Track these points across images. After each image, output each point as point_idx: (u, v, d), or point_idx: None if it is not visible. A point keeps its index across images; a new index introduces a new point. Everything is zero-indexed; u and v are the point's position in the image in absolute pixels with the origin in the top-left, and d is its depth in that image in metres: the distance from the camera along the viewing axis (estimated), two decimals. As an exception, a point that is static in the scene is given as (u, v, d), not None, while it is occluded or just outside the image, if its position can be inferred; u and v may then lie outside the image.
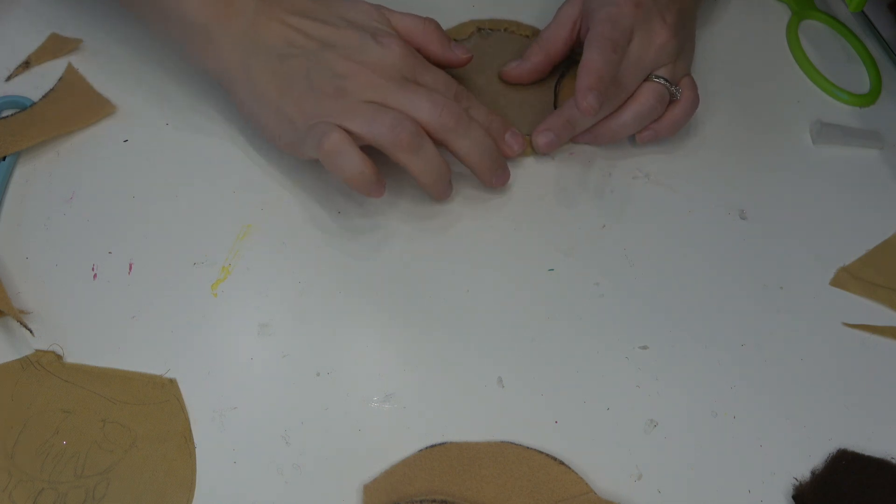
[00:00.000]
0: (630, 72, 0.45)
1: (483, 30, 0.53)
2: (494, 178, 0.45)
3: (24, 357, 0.39)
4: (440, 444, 0.38)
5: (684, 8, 0.48)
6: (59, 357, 0.39)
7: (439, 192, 0.44)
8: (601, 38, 0.44)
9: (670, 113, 0.47)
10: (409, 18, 0.45)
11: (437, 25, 0.46)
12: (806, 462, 0.40)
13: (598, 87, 0.42)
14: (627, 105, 0.46)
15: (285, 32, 0.43)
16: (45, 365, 0.39)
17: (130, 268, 0.42)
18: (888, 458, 0.40)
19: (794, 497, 0.39)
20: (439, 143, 0.43)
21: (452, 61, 0.46)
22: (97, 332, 0.40)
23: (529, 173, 0.47)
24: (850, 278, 0.46)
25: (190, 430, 0.38)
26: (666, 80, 0.46)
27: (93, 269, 0.42)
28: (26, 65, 0.48)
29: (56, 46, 0.49)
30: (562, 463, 0.38)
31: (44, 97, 0.46)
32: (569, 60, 0.51)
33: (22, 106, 0.46)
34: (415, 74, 0.43)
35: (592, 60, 0.43)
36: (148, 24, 0.46)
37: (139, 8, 0.45)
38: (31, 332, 0.39)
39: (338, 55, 0.42)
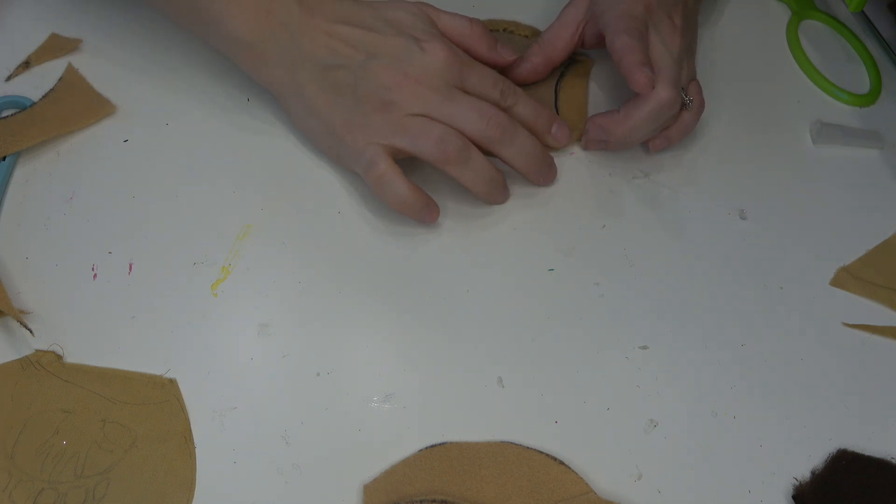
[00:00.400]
0: (675, 91, 0.44)
1: (483, 30, 0.53)
2: (541, 178, 0.45)
3: (24, 357, 0.39)
4: (440, 444, 0.39)
5: (687, 7, 0.48)
6: (59, 357, 0.39)
7: (494, 198, 0.45)
8: (625, 27, 0.44)
9: (681, 119, 0.47)
10: (455, 20, 0.45)
11: (484, 27, 0.46)
12: (806, 462, 0.40)
13: (646, 62, 0.42)
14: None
15: (329, 42, 0.42)
16: (45, 365, 0.39)
17: (130, 268, 0.42)
18: (888, 458, 0.40)
19: (794, 497, 0.39)
20: (486, 152, 0.43)
21: (499, 63, 0.46)
22: (97, 332, 0.40)
23: (529, 173, 0.47)
24: (850, 278, 0.46)
25: (190, 430, 0.38)
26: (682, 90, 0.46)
27: (93, 269, 0.42)
28: (26, 65, 0.48)
29: (56, 46, 0.49)
30: (562, 463, 0.38)
31: (44, 97, 0.46)
32: (569, 60, 0.51)
33: (22, 106, 0.46)
34: (461, 78, 0.42)
35: (627, 43, 0.43)
36: (195, 37, 0.46)
37: (184, 23, 0.45)
38: (31, 332, 0.39)
39: (383, 65, 0.41)
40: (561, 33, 0.48)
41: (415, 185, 0.42)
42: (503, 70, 0.49)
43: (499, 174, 0.44)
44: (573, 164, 0.48)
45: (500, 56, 0.46)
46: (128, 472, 0.37)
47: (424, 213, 0.43)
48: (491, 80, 0.43)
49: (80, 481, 0.36)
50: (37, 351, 0.39)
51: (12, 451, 0.37)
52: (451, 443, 0.39)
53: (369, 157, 0.42)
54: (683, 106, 0.46)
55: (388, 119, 0.41)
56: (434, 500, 0.37)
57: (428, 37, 0.42)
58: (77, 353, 0.39)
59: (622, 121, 0.45)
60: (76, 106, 0.46)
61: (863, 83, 0.55)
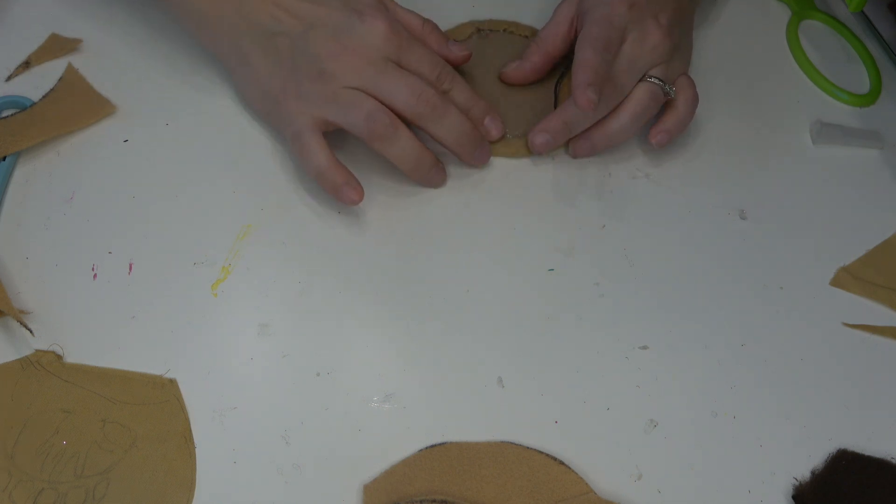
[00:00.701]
0: (624, 71, 0.45)
1: (482, 30, 0.53)
2: (473, 158, 0.46)
3: (24, 357, 0.39)
4: (440, 444, 0.39)
5: (680, 8, 0.48)
6: (59, 357, 0.39)
7: (423, 178, 0.45)
8: (594, 36, 0.44)
9: (674, 112, 0.47)
10: (409, 16, 0.46)
11: (436, 27, 0.47)
12: (806, 462, 0.40)
13: (595, 82, 0.43)
14: (623, 107, 0.46)
15: (273, 11, 0.43)
16: (45, 365, 0.39)
17: (130, 268, 0.42)
18: (888, 458, 0.40)
19: (794, 497, 0.39)
20: (417, 128, 0.43)
21: (449, 58, 0.46)
22: (97, 332, 0.40)
23: (529, 173, 0.47)
24: (850, 278, 0.46)
25: (190, 430, 0.38)
26: (659, 79, 0.46)
27: (93, 269, 0.42)
28: (26, 65, 0.48)
29: (56, 46, 0.49)
30: (562, 463, 0.38)
31: (44, 97, 0.46)
32: (568, 61, 0.51)
33: (22, 106, 0.46)
34: (398, 54, 0.43)
35: (586, 58, 0.44)
36: (154, 6, 0.47)
37: None
38: (31, 332, 0.39)
39: (321, 36, 0.42)
40: (556, 30, 0.49)
41: (337, 160, 0.43)
42: (492, 69, 0.50)
43: (427, 155, 0.44)
44: (573, 164, 0.48)
45: (451, 52, 0.46)
46: (128, 472, 0.37)
47: (343, 190, 0.42)
48: (429, 62, 0.44)
49: (80, 481, 0.36)
50: (37, 351, 0.39)
51: (12, 451, 0.37)
52: (451, 443, 0.39)
53: (298, 126, 0.43)
54: (666, 95, 0.47)
55: (321, 90, 0.42)
56: (434, 500, 0.37)
57: (372, 11, 0.43)
58: (77, 353, 0.39)
59: (555, 114, 0.46)
60: (76, 106, 0.46)
61: (863, 83, 0.55)
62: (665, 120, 0.47)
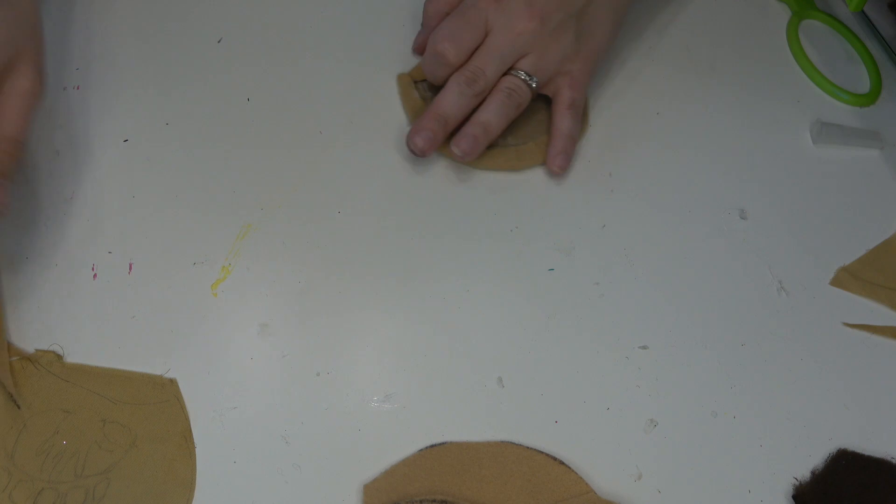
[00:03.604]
0: (485, 59, 0.44)
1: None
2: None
3: (24, 357, 0.39)
4: (440, 444, 0.39)
5: (590, 17, 0.46)
6: (59, 357, 0.39)
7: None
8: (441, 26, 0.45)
9: (557, 130, 0.46)
10: None
11: None
12: (806, 462, 0.40)
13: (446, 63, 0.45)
14: (488, 97, 0.45)
15: None
16: (45, 365, 0.39)
17: (130, 268, 0.42)
18: (888, 458, 0.40)
19: (794, 497, 0.39)
20: None
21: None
22: (97, 332, 0.40)
23: (529, 173, 0.47)
24: (850, 278, 0.46)
25: (190, 430, 0.38)
26: (526, 72, 0.45)
27: (93, 269, 0.42)
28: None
29: None
30: (562, 463, 0.38)
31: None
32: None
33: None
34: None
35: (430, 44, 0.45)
36: None
37: None
38: (17, 406, 0.38)
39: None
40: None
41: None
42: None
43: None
44: (573, 163, 0.48)
45: None
46: (128, 472, 0.37)
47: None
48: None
49: (80, 481, 0.36)
50: (37, 351, 0.39)
51: (12, 451, 0.37)
52: (451, 443, 0.39)
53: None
54: (529, 87, 0.45)
55: None
56: (434, 500, 0.37)
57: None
58: (77, 353, 0.39)
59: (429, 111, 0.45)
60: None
61: (863, 83, 0.55)
62: (553, 143, 0.46)
